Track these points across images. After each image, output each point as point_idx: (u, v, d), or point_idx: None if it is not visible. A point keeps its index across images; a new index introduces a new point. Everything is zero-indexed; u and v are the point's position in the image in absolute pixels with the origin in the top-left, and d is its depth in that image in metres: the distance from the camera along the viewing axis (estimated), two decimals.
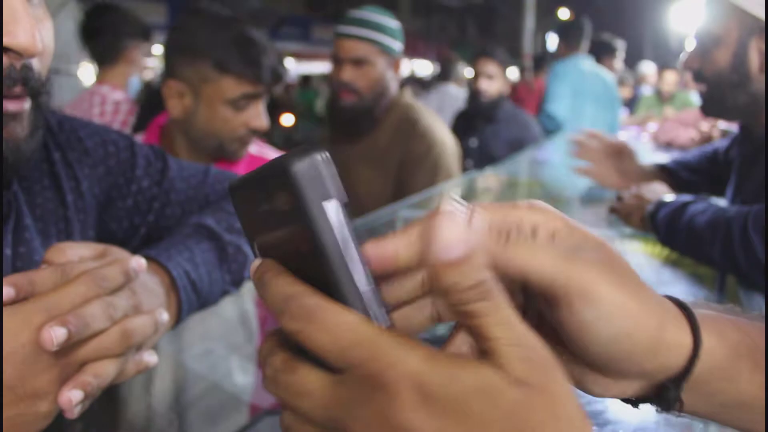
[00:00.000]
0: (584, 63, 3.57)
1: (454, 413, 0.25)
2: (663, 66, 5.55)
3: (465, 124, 3.05)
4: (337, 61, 1.79)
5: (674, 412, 0.35)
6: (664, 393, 0.34)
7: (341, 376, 0.27)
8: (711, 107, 1.26)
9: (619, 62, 4.34)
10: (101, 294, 0.50)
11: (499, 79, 2.91)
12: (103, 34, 2.15)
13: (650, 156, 2.22)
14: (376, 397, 0.25)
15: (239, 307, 1.06)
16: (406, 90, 1.91)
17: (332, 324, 0.27)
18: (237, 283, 0.79)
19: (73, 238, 0.71)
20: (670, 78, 5.25)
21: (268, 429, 0.81)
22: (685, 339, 0.33)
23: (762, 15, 1.12)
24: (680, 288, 1.04)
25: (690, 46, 1.27)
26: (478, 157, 2.87)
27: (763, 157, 1.17)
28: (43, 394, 0.47)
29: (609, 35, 4.41)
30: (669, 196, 1.24)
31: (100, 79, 2.18)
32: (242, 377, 0.95)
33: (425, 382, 0.25)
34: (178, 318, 0.67)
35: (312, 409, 0.27)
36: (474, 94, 2.96)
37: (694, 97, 5.16)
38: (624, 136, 3.49)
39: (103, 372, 0.50)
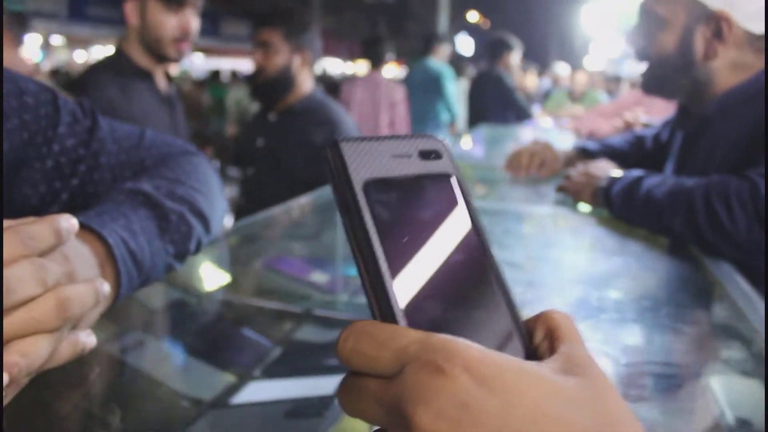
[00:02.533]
0: (430, 63, 4.56)
1: (504, 393, 0.27)
2: (574, 67, 5.86)
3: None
4: None
5: None
6: None
7: (397, 375, 0.28)
8: (652, 85, 1.28)
9: (515, 58, 4.77)
10: (28, 255, 0.40)
11: (282, 54, 2.09)
12: None
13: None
14: (435, 381, 0.27)
15: (162, 293, 0.96)
16: None
17: (383, 336, 0.29)
18: (181, 256, 0.68)
19: None
20: (581, 79, 5.52)
21: (211, 423, 0.72)
22: None
23: (710, 3, 1.13)
24: (632, 258, 1.02)
25: (632, 23, 1.28)
26: (264, 162, 2.13)
27: (705, 132, 1.19)
28: None
29: (505, 33, 4.90)
30: (617, 172, 1.24)
31: None
32: (179, 370, 0.85)
33: (479, 368, 0.27)
34: (117, 294, 0.56)
35: (369, 407, 0.29)
36: (254, 75, 2.17)
37: (602, 96, 5.38)
38: (540, 126, 3.76)
39: (34, 351, 0.39)
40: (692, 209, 1.00)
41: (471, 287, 0.32)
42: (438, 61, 4.58)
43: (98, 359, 0.78)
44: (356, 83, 4.19)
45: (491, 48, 4.77)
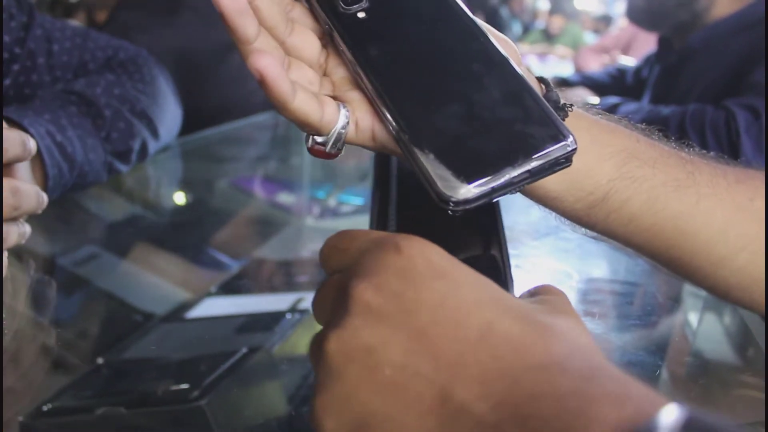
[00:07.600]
0: None
1: (455, 281, 0.25)
2: (552, 11, 5.82)
3: None
4: None
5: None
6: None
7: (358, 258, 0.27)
8: (642, 18, 1.24)
9: None
10: None
11: None
12: None
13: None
14: (388, 257, 0.25)
15: (119, 206, 0.93)
16: None
17: (359, 233, 0.28)
18: (122, 155, 0.65)
19: None
20: (557, 22, 5.49)
21: (161, 336, 0.70)
22: None
23: None
24: None
25: None
26: None
27: (687, 65, 1.16)
28: None
29: None
30: (594, 99, 1.21)
31: None
32: (132, 282, 0.83)
33: (438, 258, 0.25)
34: (46, 185, 0.53)
35: (324, 297, 0.28)
36: None
37: (586, 35, 5.29)
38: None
39: None
40: (665, 137, 0.98)
41: None
42: None
43: (53, 272, 0.76)
44: None
45: None
